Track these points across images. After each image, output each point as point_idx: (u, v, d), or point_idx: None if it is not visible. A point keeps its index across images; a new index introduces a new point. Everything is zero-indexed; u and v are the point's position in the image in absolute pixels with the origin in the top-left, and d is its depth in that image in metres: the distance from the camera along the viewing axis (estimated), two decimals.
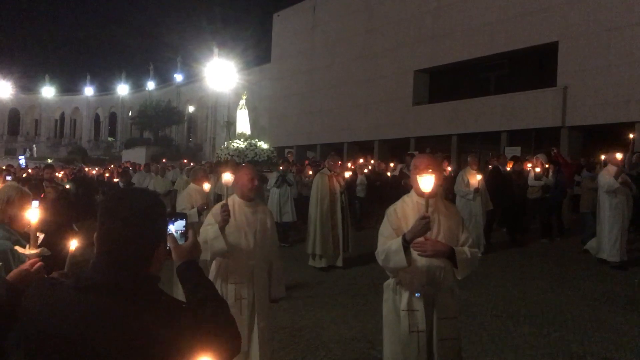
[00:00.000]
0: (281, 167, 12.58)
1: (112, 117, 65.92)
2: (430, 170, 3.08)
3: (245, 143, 21.43)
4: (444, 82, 25.12)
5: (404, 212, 3.31)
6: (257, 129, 23.02)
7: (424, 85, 25.52)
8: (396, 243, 3.10)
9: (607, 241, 8.72)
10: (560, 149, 17.27)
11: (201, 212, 6.30)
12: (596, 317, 6.17)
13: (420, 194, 3.16)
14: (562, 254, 10.07)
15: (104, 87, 65.61)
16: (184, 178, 13.43)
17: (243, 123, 22.90)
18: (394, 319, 3.30)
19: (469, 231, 3.40)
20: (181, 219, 1.86)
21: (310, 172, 14.01)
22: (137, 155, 38.00)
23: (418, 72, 25.14)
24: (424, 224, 2.96)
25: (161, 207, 1.68)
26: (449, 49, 23.06)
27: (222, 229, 3.74)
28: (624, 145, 12.09)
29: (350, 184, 12.87)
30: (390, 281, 3.37)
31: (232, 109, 40.13)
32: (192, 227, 1.87)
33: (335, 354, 5.20)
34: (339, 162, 10.36)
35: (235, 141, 21.93)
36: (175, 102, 53.17)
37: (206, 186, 6.52)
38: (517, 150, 18.80)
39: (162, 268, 1.67)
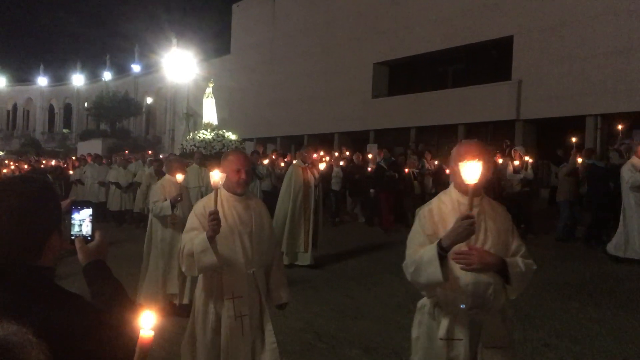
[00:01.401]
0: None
1: (67, 108, 63.88)
2: (477, 160, 2.40)
3: (213, 134, 20.51)
4: (403, 75, 25.32)
5: (442, 214, 2.63)
6: (218, 120, 22.45)
7: (383, 78, 25.67)
8: (429, 251, 2.44)
9: (638, 238, 7.93)
10: (514, 141, 17.66)
11: (174, 204, 6.17)
12: (539, 305, 6.29)
13: (464, 189, 2.50)
14: None
15: (59, 77, 63.44)
16: (146, 170, 13.15)
17: (209, 112, 21.74)
18: (429, 347, 2.64)
19: (520, 238, 2.78)
20: (87, 207, 1.78)
21: (283, 164, 13.72)
22: (93, 148, 36.87)
23: (377, 65, 25.27)
24: (466, 226, 2.31)
25: (51, 195, 1.58)
26: (408, 43, 23.23)
27: (211, 239, 3.01)
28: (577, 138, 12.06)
29: (325, 177, 12.56)
30: (426, 302, 2.69)
31: (191, 101, 39.51)
32: (100, 229, 1.79)
33: (281, 345, 5.14)
34: (314, 154, 9.69)
35: (201, 132, 21.08)
36: (132, 93, 51.90)
37: (179, 177, 6.37)
38: None
39: (57, 258, 1.58)
